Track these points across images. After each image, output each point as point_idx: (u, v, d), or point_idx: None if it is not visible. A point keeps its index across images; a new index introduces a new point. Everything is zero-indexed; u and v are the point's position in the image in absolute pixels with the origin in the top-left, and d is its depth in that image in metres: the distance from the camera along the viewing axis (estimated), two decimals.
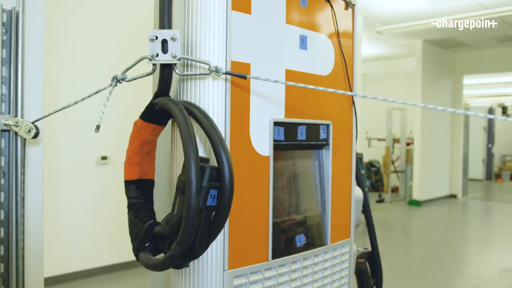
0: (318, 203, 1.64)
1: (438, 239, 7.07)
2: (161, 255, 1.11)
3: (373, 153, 12.14)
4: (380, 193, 11.19)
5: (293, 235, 1.52)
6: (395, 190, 11.46)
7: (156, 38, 1.10)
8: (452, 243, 6.86)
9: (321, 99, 1.62)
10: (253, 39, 1.38)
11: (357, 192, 1.81)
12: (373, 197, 10.83)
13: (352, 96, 1.76)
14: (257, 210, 1.38)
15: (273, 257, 1.43)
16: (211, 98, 1.25)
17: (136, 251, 1.13)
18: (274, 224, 1.43)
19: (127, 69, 1.13)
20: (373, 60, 12.29)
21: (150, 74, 1.16)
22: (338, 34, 1.69)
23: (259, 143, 1.38)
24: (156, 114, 1.14)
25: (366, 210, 1.97)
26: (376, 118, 12.16)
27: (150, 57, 1.10)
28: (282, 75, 1.46)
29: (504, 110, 19.21)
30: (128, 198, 1.16)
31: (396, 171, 11.42)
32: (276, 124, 1.43)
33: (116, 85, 1.14)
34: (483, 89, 15.80)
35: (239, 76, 1.21)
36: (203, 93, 1.24)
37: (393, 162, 11.29)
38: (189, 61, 1.22)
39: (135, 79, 1.13)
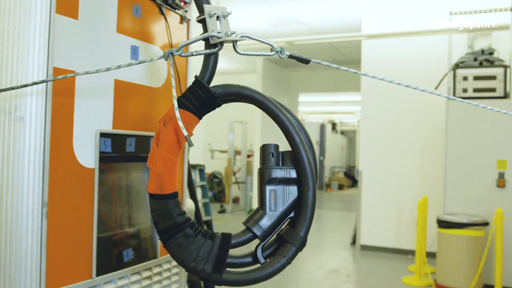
0: (148, 216, 1.62)
1: None
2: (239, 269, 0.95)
3: (216, 165, 12.43)
4: (222, 203, 11.47)
5: (121, 249, 1.48)
6: (236, 200, 11.86)
7: (214, 14, 0.95)
8: None
9: (153, 110, 1.61)
10: (79, 45, 1.32)
11: (189, 204, 1.83)
12: (215, 208, 11.06)
13: None
14: (80, 225, 1.31)
15: (98, 274, 1.37)
16: (28, 106, 1.16)
17: (217, 271, 0.90)
18: (100, 239, 1.37)
19: (185, 44, 0.96)
20: (218, 74, 12.60)
21: (214, 53, 0.97)
22: (171, 46, 1.70)
23: (84, 155, 1.31)
24: (207, 103, 0.95)
25: (198, 222, 2.00)
26: (219, 131, 12.50)
27: (217, 34, 0.94)
28: (111, 85, 1.42)
29: (334, 126, 21.22)
30: (173, 216, 0.90)
31: (237, 182, 11.83)
32: (103, 135, 1.38)
33: (167, 59, 0.94)
34: (316, 106, 17.28)
35: (301, 60, 1.03)
36: (20, 99, 1.15)
37: (234, 174, 11.68)
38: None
39: (192, 55, 0.96)
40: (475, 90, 5.30)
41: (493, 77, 5.24)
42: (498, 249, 4.74)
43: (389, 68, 6.86)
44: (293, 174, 0.95)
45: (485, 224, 4.92)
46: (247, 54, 1.00)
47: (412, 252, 6.64)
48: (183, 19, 1.80)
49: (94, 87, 1.35)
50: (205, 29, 0.92)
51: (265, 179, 0.94)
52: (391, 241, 6.96)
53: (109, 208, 1.46)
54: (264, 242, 0.96)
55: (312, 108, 17.84)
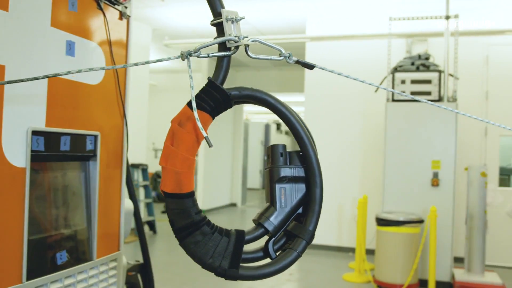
0: (84, 217, 1.57)
1: None
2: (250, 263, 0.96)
3: None
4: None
5: (55, 252, 1.42)
6: None
7: (231, 19, 0.96)
8: None
9: (89, 108, 1.56)
10: (9, 39, 1.25)
11: (127, 205, 1.79)
12: (159, 208, 10.89)
13: (124, 107, 1.73)
14: (9, 227, 1.25)
15: (28, 278, 1.31)
16: None
17: (233, 267, 0.92)
18: (31, 241, 1.31)
19: (203, 46, 0.95)
20: (162, 72, 12.45)
21: (229, 55, 0.97)
22: (110, 43, 1.65)
23: (13, 153, 1.25)
24: (222, 104, 0.96)
25: (137, 222, 1.96)
26: (163, 130, 12.29)
27: (235, 38, 0.94)
28: (44, 81, 1.36)
29: (278, 126, 21.45)
30: (191, 214, 0.90)
31: None
32: (35, 133, 1.32)
33: (185, 59, 0.94)
34: (261, 107, 17.35)
35: (306, 66, 1.06)
36: None
37: None
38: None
39: (208, 56, 0.94)
40: (412, 93, 5.52)
41: (428, 81, 5.48)
42: (432, 246, 4.95)
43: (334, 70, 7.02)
44: (300, 172, 0.99)
45: (421, 221, 5.13)
46: (258, 58, 1.02)
47: (353, 250, 6.83)
48: (122, 15, 1.75)
49: (26, 83, 1.29)
50: (220, 33, 0.95)
51: (275, 178, 0.98)
52: (332, 239, 7.12)
53: (43, 209, 1.40)
54: (275, 237, 0.99)
55: (257, 108, 17.95)
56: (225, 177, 11.73)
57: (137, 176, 7.70)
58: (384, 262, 5.18)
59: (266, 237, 1.03)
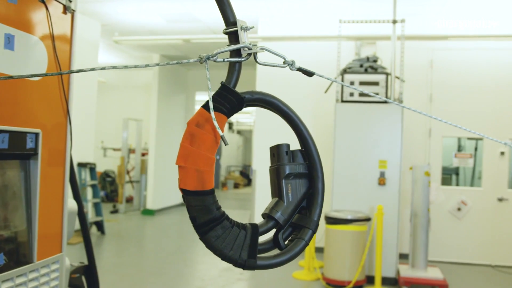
0: (24, 218, 1.51)
1: (169, 246, 7.38)
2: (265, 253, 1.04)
3: (109, 163, 11.97)
4: (115, 203, 11.07)
5: None
6: (130, 200, 11.51)
7: (245, 28, 1.03)
8: (182, 249, 7.25)
9: (30, 105, 1.49)
10: None
11: (71, 205, 1.73)
12: (107, 208, 10.64)
13: (67, 104, 1.68)
14: None
15: None
16: None
17: (252, 257, 0.99)
18: None
19: (221, 52, 1.00)
20: (110, 69, 12.15)
21: (242, 61, 1.04)
22: (53, 37, 1.59)
23: None
24: (236, 106, 1.02)
25: (82, 223, 1.90)
26: (112, 128, 12.05)
27: (249, 45, 1.02)
28: None
29: (230, 125, 21.44)
30: (213, 210, 0.97)
31: (131, 181, 11.50)
32: None
33: (202, 62, 1.00)
34: None
35: (306, 73, 1.14)
36: None
37: (128, 172, 11.34)
38: None
39: (223, 61, 1.01)
40: (361, 95, 5.65)
41: (376, 83, 5.63)
42: (378, 243, 5.10)
43: (283, 70, 7.08)
44: (304, 169, 1.10)
45: (368, 219, 5.27)
46: (266, 65, 1.11)
47: None
48: (66, 9, 1.69)
49: None
50: (234, 40, 1.02)
51: (282, 175, 1.07)
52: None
53: None
54: (284, 229, 1.07)
55: None
56: (176, 176, 11.59)
57: (85, 175, 7.48)
58: (333, 259, 5.29)
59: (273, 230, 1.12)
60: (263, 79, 7.34)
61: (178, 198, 11.74)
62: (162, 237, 8.23)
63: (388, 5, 6.18)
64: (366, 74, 5.73)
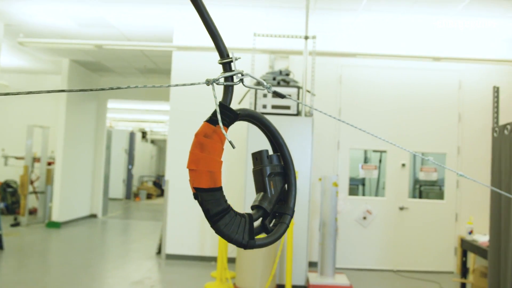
0: None
1: (76, 261, 7.03)
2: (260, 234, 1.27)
3: (10, 173, 11.20)
4: (16, 216, 10.36)
5: None
6: (33, 212, 10.84)
7: (238, 58, 1.24)
8: (90, 263, 6.93)
9: None
10: None
11: None
12: (7, 220, 9.94)
13: None
14: None
15: None
16: None
17: (251, 239, 1.23)
18: None
19: (223, 76, 1.23)
20: (15, 72, 11.44)
21: (237, 84, 1.27)
22: None
23: None
24: (233, 119, 1.26)
25: None
26: (14, 135, 11.31)
27: (242, 72, 1.25)
28: None
29: (144, 134, 20.99)
30: (222, 203, 1.21)
31: (35, 192, 10.84)
32: None
33: (209, 85, 1.22)
34: (126, 114, 16.85)
35: (279, 95, 1.39)
36: None
37: (32, 182, 10.68)
38: None
39: (224, 84, 1.26)
40: (274, 107, 5.79)
41: (288, 95, 5.80)
42: (289, 252, 5.22)
43: (198, 80, 7.07)
44: (280, 168, 1.37)
45: None
46: (250, 87, 1.34)
47: (215, 259, 6.91)
48: None
49: None
50: (228, 69, 1.25)
51: (265, 174, 1.34)
52: (195, 249, 7.13)
53: None
54: (269, 216, 1.32)
55: (122, 115, 17.36)
56: (85, 187, 11.11)
57: None
58: (244, 269, 5.33)
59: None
60: (176, 89, 7.28)
61: (87, 209, 11.25)
62: (68, 251, 7.82)
63: (302, 21, 6.42)
64: (279, 87, 5.88)
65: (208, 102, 7.18)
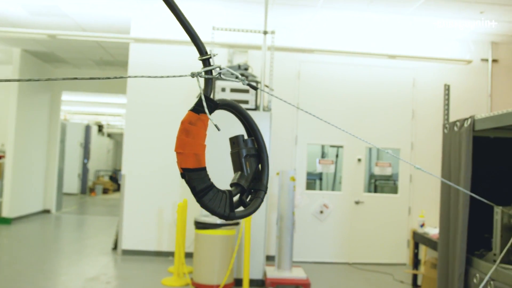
0: None
1: (27, 258, 6.81)
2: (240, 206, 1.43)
3: None
4: None
5: None
6: None
7: (215, 55, 1.35)
8: (42, 260, 6.73)
9: None
10: None
11: None
12: None
13: None
14: None
15: None
16: None
17: (232, 211, 1.38)
18: None
19: (207, 69, 1.32)
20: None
21: (215, 77, 1.36)
22: None
23: None
24: (214, 108, 1.37)
25: None
26: None
27: (220, 66, 1.34)
28: None
29: (100, 128, 20.52)
30: (207, 181, 1.34)
31: None
32: None
33: (194, 77, 1.31)
34: (81, 107, 16.41)
35: (252, 87, 1.58)
36: None
37: None
38: None
39: (207, 77, 1.33)
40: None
41: (246, 91, 5.80)
42: (246, 246, 5.24)
43: (155, 73, 6.97)
44: (254, 151, 1.50)
45: (236, 223, 5.39)
46: (226, 80, 1.45)
47: (172, 254, 6.85)
48: None
49: None
50: (207, 64, 1.35)
51: (242, 156, 1.48)
52: (152, 244, 7.05)
53: None
54: (246, 192, 1.47)
55: (77, 108, 16.89)
56: (38, 181, 10.77)
57: None
58: (202, 264, 5.31)
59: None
60: (134, 82, 7.15)
61: (39, 204, 10.91)
62: (20, 248, 7.57)
63: (261, 15, 6.42)
64: (237, 80, 5.86)
65: (165, 94, 7.10)
